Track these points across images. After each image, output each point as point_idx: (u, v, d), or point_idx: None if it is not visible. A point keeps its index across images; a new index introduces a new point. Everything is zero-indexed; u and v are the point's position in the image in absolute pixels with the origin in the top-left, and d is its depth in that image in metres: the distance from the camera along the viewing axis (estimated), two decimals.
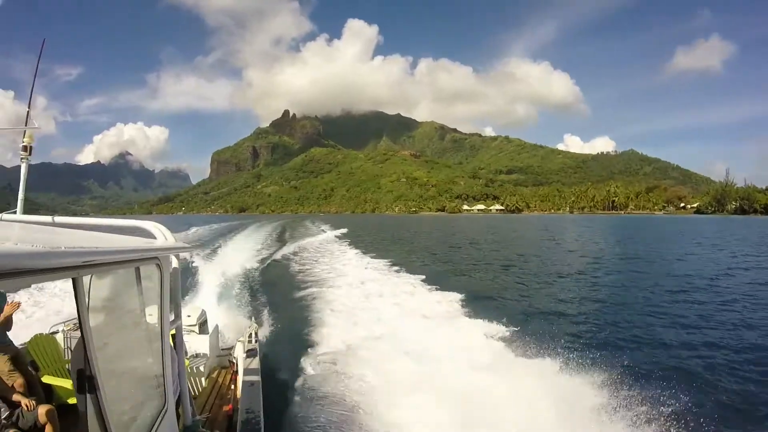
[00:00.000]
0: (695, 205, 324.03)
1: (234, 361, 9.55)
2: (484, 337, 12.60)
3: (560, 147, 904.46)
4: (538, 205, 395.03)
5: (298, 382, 9.80)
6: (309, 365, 10.68)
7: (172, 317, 4.55)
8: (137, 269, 3.52)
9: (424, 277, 22.52)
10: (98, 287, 3.09)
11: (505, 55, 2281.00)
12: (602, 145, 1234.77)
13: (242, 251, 36.36)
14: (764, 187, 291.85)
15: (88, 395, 3.02)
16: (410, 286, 20.28)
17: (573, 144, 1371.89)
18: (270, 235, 60.80)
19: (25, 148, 5.78)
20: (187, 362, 7.59)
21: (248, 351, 8.89)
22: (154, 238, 4.51)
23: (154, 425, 3.81)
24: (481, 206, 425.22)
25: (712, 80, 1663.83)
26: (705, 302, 19.03)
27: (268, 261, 31.07)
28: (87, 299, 2.94)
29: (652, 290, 21.68)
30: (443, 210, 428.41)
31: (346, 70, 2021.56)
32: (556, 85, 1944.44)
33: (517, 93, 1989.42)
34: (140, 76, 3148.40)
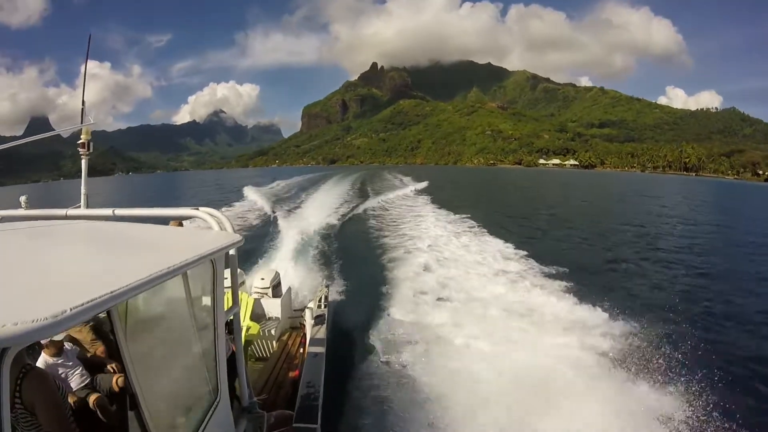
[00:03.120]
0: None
1: (304, 323, 9.48)
2: (585, 329, 10.78)
3: (662, 100, 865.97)
4: (612, 162, 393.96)
5: (365, 358, 9.43)
6: (378, 340, 10.17)
7: (230, 305, 4.46)
8: (184, 274, 3.36)
9: (507, 243, 21.09)
10: (136, 304, 3.00)
11: (601, 0, 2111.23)
12: (708, 99, 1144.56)
13: (321, 207, 36.17)
14: None
15: (129, 412, 3.08)
16: (494, 253, 18.94)
17: (676, 97, 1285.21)
18: (351, 188, 59.74)
19: (83, 145, 5.74)
20: (258, 327, 8.87)
21: (316, 317, 9.04)
22: (210, 227, 4.44)
23: (205, 418, 3.85)
24: (557, 161, 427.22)
25: None
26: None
27: (346, 218, 30.47)
28: (124, 322, 2.87)
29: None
30: (520, 163, 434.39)
31: (433, 19, 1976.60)
32: (656, 33, 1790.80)
33: (614, 41, 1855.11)
34: (229, 37, 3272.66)
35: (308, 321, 9.16)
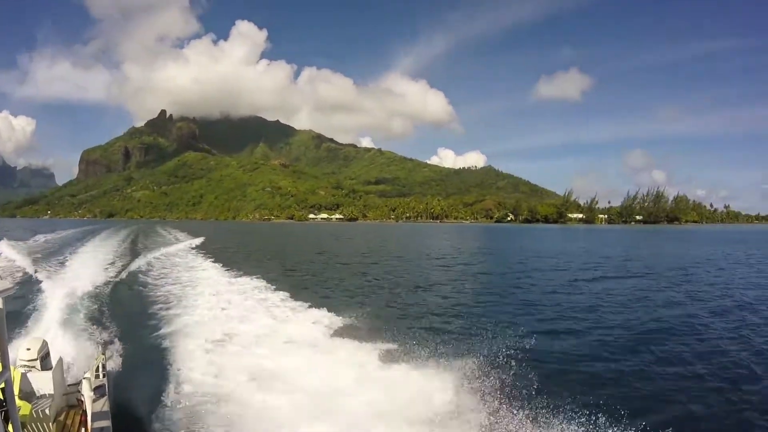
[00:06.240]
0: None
1: (83, 399, 8.32)
2: (350, 352, 12.37)
3: (435, 159, 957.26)
4: (372, 214, 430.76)
5: (155, 422, 8.80)
6: (166, 398, 9.62)
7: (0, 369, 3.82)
8: None
9: (276, 287, 22.82)
10: None
11: (385, 71, 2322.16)
12: (474, 159, 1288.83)
13: (90, 265, 34.04)
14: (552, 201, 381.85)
15: None
16: (268, 298, 20.51)
17: (446, 157, 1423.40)
18: (121, 244, 57.94)
19: None
20: (29, 407, 7.35)
21: (95, 389, 8.03)
22: None
23: None
24: (325, 215, 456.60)
25: (571, 107, 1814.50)
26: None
27: (118, 277, 28.99)
28: None
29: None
30: (292, 218, 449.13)
31: (229, 72, 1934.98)
32: (431, 102, 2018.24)
33: (394, 108, 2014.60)
34: (11, 56, 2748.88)
35: (87, 394, 8.11)
